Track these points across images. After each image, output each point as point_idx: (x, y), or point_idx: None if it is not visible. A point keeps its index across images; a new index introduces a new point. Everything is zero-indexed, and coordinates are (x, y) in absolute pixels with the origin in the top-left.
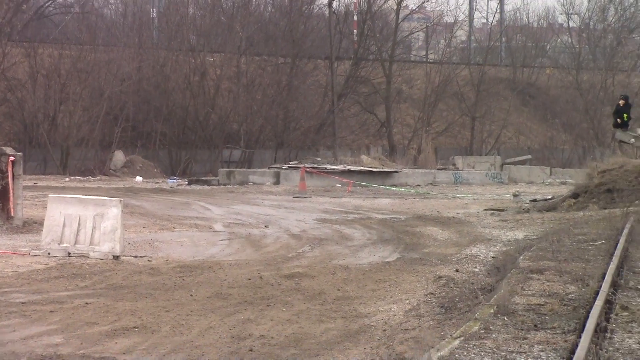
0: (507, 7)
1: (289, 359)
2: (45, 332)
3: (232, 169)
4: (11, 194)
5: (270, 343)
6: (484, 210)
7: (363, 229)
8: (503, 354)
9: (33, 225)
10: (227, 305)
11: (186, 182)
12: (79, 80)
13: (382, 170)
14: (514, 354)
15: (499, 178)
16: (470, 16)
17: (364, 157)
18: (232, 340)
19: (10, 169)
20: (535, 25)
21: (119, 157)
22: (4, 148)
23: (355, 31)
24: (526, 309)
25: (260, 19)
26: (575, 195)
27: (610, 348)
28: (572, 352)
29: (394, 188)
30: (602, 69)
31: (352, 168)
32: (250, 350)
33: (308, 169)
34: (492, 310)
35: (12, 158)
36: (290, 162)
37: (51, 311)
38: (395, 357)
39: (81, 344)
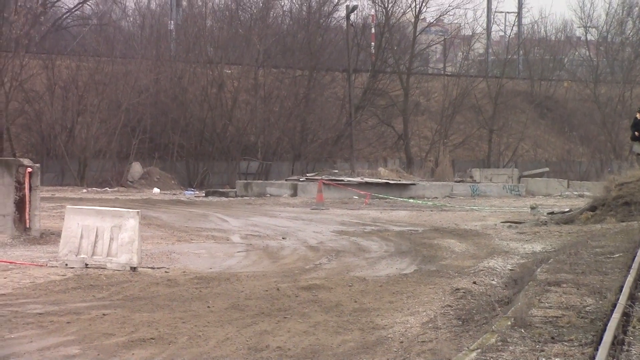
0: (525, 20)
1: None
2: (62, 343)
3: (249, 181)
4: (28, 205)
5: (287, 355)
6: (501, 222)
7: (380, 241)
8: None
9: (50, 237)
10: (244, 317)
11: (203, 194)
12: (96, 92)
13: (399, 182)
14: None
15: (517, 190)
16: (488, 29)
17: (381, 170)
18: (249, 352)
19: (27, 180)
20: (553, 38)
21: (136, 168)
22: (21, 159)
23: (372, 44)
24: (543, 322)
25: (278, 32)
26: (592, 208)
27: None
28: None
29: (411, 200)
30: (620, 82)
31: (370, 180)
32: None
33: (325, 181)
34: (509, 323)
35: (29, 169)
36: (308, 174)
37: (68, 322)
38: None
39: (98, 355)
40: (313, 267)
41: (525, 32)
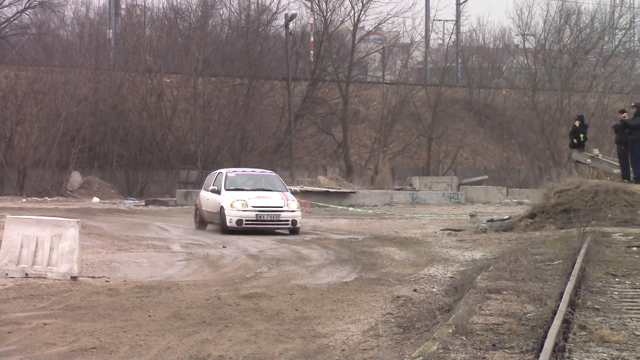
0: (464, 28)
1: None
2: (3, 352)
3: (189, 190)
4: None
5: None
6: (441, 230)
7: (321, 249)
8: None
9: None
10: (185, 326)
11: (143, 203)
12: (35, 101)
13: (339, 190)
14: None
15: (456, 198)
16: (427, 37)
17: (320, 178)
18: None
19: None
20: (491, 46)
21: (75, 178)
22: None
23: (312, 52)
24: (484, 329)
25: (217, 40)
26: (532, 215)
27: None
28: None
29: (351, 208)
30: (558, 90)
31: (309, 189)
32: None
33: None
34: (450, 330)
35: None
36: None
37: (9, 332)
38: None
39: None
40: (254, 276)
41: (463, 40)
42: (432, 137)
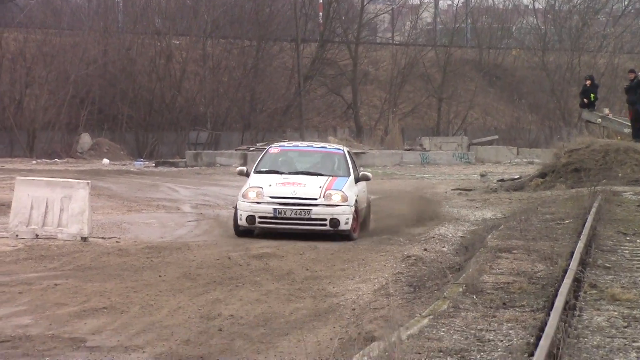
0: None
1: (258, 339)
2: (14, 313)
3: (199, 151)
4: None
5: (239, 323)
6: (451, 190)
7: None
8: (472, 332)
9: (0, 208)
10: (195, 286)
11: (153, 165)
12: (44, 64)
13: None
14: (483, 332)
15: (466, 158)
16: None
17: (331, 139)
18: (201, 320)
19: None
20: (500, 6)
21: (85, 139)
22: None
23: (320, 13)
24: (495, 288)
25: (226, 2)
26: (542, 175)
27: (579, 325)
28: (541, 329)
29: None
30: (568, 50)
31: None
32: (220, 330)
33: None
34: (460, 289)
35: None
36: (258, 144)
37: (20, 292)
38: (364, 336)
39: (50, 324)
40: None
41: (472, 0)
42: (442, 98)
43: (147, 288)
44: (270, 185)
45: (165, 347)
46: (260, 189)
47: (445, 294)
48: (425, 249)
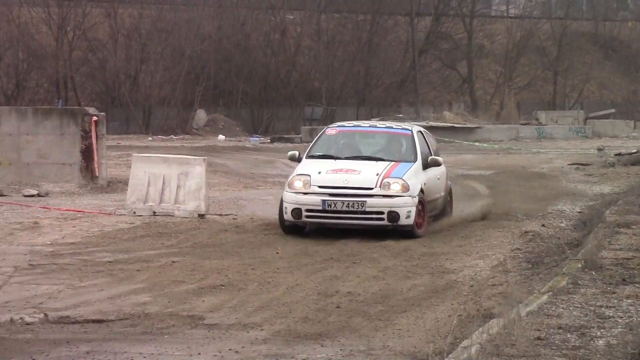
0: None
1: (376, 316)
2: (132, 290)
3: (314, 127)
4: (95, 154)
5: (357, 300)
6: (568, 164)
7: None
8: (592, 308)
9: (117, 185)
10: (313, 262)
11: (268, 140)
12: (159, 40)
13: (464, 126)
14: (602, 309)
15: (583, 132)
16: None
17: (446, 113)
18: (319, 297)
19: (93, 129)
20: None
21: (201, 116)
22: (86, 108)
23: None
24: (614, 264)
25: None
26: None
27: None
28: None
29: (477, 143)
30: None
31: (435, 124)
32: (338, 307)
33: None
34: (579, 265)
35: (95, 118)
36: (373, 119)
37: (138, 270)
38: (483, 313)
39: (169, 302)
40: None
41: None
42: (558, 71)
43: (265, 265)
44: (319, 173)
45: (284, 324)
46: (308, 177)
47: (563, 270)
48: (543, 225)
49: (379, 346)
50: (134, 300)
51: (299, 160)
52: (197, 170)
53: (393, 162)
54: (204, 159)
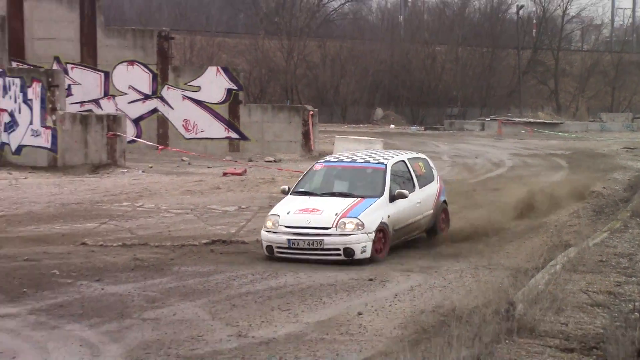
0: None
1: (493, 244)
2: None
3: (452, 120)
4: (311, 135)
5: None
6: (621, 148)
7: (540, 160)
8: (637, 242)
9: (325, 155)
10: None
11: (423, 129)
12: (352, 63)
13: (552, 122)
14: None
15: (631, 127)
16: (612, 19)
17: (539, 114)
18: (451, 231)
19: (310, 119)
20: None
21: (379, 112)
22: (306, 106)
23: (534, 30)
24: None
25: (471, 22)
26: None
27: None
28: None
29: (559, 133)
30: None
31: (532, 120)
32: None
33: (503, 121)
34: (628, 214)
35: (311, 112)
36: (491, 116)
37: None
38: (564, 244)
39: None
40: (494, 176)
41: (637, 20)
42: (615, 87)
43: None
44: (288, 213)
45: (432, 248)
46: (277, 217)
47: (618, 217)
48: (604, 187)
49: (495, 263)
50: None
51: (287, 193)
52: (377, 146)
53: (358, 199)
54: (381, 140)
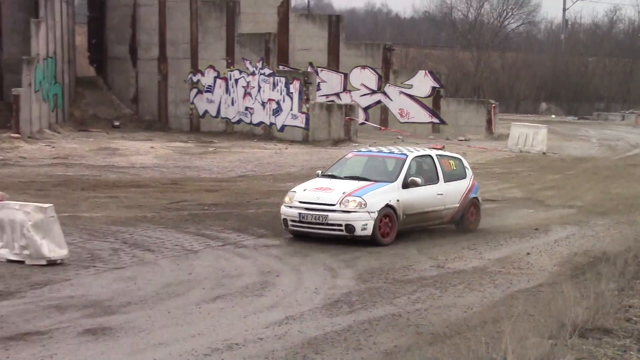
0: None
1: (632, 204)
2: (507, 188)
3: (599, 112)
4: (493, 122)
5: (622, 196)
6: None
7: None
8: None
9: (503, 137)
10: (597, 178)
11: (577, 118)
12: (524, 69)
13: None
14: None
15: None
16: None
17: None
18: (601, 194)
19: (492, 110)
20: None
21: (543, 106)
22: (489, 100)
23: None
24: None
25: (617, 39)
26: None
27: None
28: None
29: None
30: None
31: None
32: (610, 199)
33: (639, 114)
34: None
35: (493, 105)
36: (630, 110)
37: (512, 177)
38: None
39: (528, 192)
40: (632, 155)
41: None
42: None
43: (574, 178)
44: (304, 190)
45: (583, 206)
46: (294, 194)
47: None
48: None
49: (632, 220)
50: (509, 194)
51: (317, 176)
52: (542, 131)
53: (370, 182)
54: (546, 126)
